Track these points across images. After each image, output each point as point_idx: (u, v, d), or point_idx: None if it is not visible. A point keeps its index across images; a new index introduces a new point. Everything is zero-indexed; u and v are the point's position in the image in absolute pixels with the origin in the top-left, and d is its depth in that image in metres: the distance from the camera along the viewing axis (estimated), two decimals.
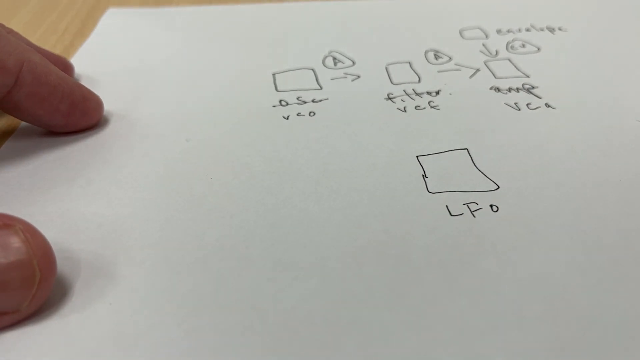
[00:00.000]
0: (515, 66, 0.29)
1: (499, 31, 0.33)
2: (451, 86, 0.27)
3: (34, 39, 0.27)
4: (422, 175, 0.21)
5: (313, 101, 0.26)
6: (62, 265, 0.17)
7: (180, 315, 0.16)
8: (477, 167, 0.22)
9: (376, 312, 0.16)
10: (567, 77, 0.28)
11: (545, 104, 0.26)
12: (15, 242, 0.15)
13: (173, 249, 0.18)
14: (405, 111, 0.25)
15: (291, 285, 0.17)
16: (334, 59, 0.30)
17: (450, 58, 0.30)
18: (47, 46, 0.30)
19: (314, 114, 0.25)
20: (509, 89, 0.27)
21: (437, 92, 0.27)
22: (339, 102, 0.26)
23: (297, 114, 0.25)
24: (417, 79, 0.28)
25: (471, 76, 0.28)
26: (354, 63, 0.30)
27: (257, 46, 0.31)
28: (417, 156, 0.22)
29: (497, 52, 0.30)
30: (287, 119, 0.25)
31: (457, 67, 0.29)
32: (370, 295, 0.17)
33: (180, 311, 0.16)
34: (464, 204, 0.20)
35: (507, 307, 0.16)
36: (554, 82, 0.27)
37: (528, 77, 0.28)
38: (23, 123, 0.25)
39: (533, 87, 0.27)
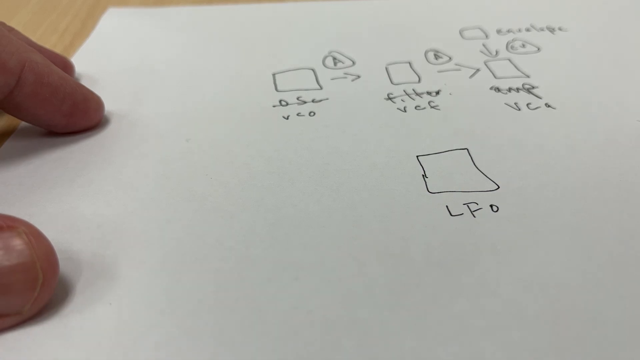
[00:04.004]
0: (515, 66, 0.29)
1: (499, 31, 0.33)
2: (451, 86, 0.27)
3: (34, 39, 0.27)
4: (422, 175, 0.21)
5: (313, 101, 0.26)
6: (62, 266, 0.17)
7: (180, 315, 0.16)
8: (477, 167, 0.22)
9: (376, 312, 0.16)
10: (567, 77, 0.28)
11: (545, 104, 0.26)
12: (19, 244, 0.15)
13: (173, 249, 0.18)
14: (405, 111, 0.25)
15: (291, 285, 0.17)
16: (334, 59, 0.30)
17: (450, 58, 0.30)
18: (47, 46, 0.30)
19: (314, 114, 0.25)
20: (509, 89, 0.27)
21: (437, 92, 0.27)
22: (339, 102, 0.26)
23: (297, 114, 0.25)
24: (417, 79, 0.28)
25: (471, 76, 0.28)
26: (354, 63, 0.30)
27: (257, 46, 0.31)
28: (417, 156, 0.22)
29: (497, 52, 0.30)
30: (287, 119, 0.25)
31: (457, 67, 0.29)
32: (370, 295, 0.17)
33: (180, 311, 0.16)
34: (464, 204, 0.20)
35: (507, 307, 0.16)
36: (554, 82, 0.27)
37: (528, 77, 0.28)
38: (23, 123, 0.25)
39: (533, 87, 0.27)
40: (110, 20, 0.34)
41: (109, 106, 0.25)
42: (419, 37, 0.32)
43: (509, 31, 0.33)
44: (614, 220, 0.19)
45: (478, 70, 0.29)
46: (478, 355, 0.15)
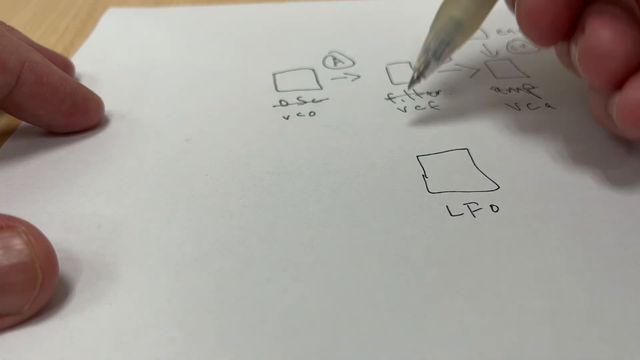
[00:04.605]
0: (515, 66, 0.29)
1: (499, 31, 0.33)
2: (451, 86, 0.27)
3: (34, 39, 0.27)
4: (422, 175, 0.21)
5: (313, 101, 0.26)
6: (62, 266, 0.17)
7: (180, 315, 0.16)
8: (477, 167, 0.22)
9: (376, 312, 0.16)
10: (567, 77, 0.28)
11: (545, 104, 0.26)
12: (18, 244, 0.15)
13: (173, 249, 0.18)
14: (405, 111, 0.25)
15: (291, 285, 0.17)
16: (334, 59, 0.30)
17: (450, 58, 0.30)
18: (47, 46, 0.30)
19: (314, 114, 0.25)
20: (509, 89, 0.27)
21: (437, 92, 0.27)
22: (339, 102, 0.26)
23: (297, 114, 0.25)
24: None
25: (471, 76, 0.28)
26: (354, 63, 0.30)
27: (257, 46, 0.31)
28: (417, 156, 0.22)
29: (497, 52, 0.30)
30: (287, 119, 0.25)
31: (457, 67, 0.29)
32: (370, 295, 0.17)
33: (180, 311, 0.16)
34: (464, 204, 0.20)
35: (507, 307, 0.16)
36: (554, 82, 0.27)
37: (528, 77, 0.28)
38: (23, 123, 0.25)
39: (533, 87, 0.27)
40: (110, 20, 0.34)
41: (109, 106, 0.25)
42: (419, 37, 0.32)
43: (509, 31, 0.33)
44: (613, 220, 0.19)
45: (478, 70, 0.29)
46: (478, 355, 0.15)
